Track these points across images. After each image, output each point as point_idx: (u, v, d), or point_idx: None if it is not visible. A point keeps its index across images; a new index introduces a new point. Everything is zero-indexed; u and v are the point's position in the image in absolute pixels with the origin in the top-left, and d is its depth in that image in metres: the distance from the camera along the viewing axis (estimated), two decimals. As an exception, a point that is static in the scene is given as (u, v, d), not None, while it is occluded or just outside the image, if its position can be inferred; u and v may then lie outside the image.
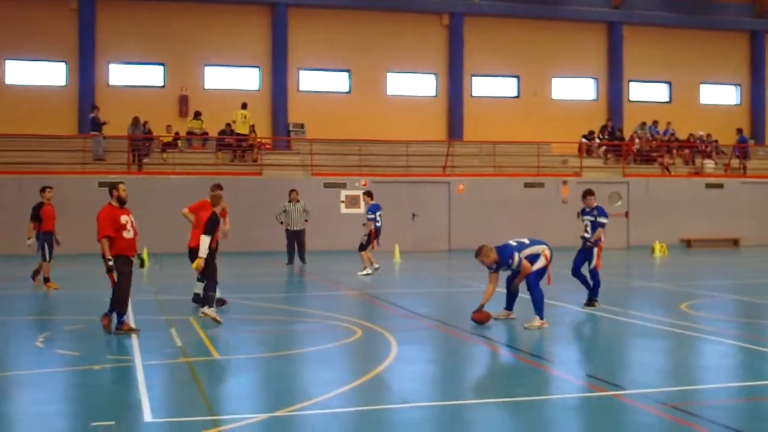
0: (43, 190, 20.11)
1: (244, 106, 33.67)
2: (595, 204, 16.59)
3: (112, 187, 13.64)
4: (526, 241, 14.25)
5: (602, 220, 16.27)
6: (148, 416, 8.26)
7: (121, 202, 13.49)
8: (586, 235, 16.23)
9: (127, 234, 13.20)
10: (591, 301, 16.08)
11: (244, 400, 9.25)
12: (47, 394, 9.38)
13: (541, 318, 13.61)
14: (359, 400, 9.12)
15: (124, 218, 13.25)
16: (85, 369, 10.62)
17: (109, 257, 12.96)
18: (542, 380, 10.37)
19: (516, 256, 13.76)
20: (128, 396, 9.18)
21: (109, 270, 13.03)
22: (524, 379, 10.39)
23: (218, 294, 14.85)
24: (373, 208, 23.17)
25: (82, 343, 12.59)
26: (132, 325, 13.21)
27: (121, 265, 13.11)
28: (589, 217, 16.38)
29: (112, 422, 8.09)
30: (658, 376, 10.66)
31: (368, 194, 23.93)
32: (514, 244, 14.12)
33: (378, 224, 23.11)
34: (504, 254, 13.81)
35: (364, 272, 22.65)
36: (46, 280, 19.46)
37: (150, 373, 10.20)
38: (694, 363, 11.67)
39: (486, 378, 10.83)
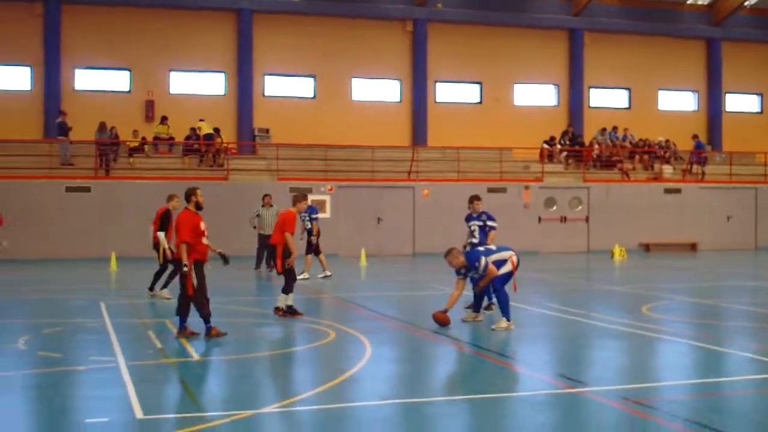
0: None
1: (201, 120, 33.96)
2: (482, 209, 16.74)
3: (191, 192, 13.43)
4: (493, 248, 14.79)
5: (492, 223, 16.49)
6: (139, 413, 8.64)
7: (199, 207, 13.39)
8: (474, 240, 16.32)
9: (206, 240, 13.32)
10: (486, 308, 15.81)
11: (229, 398, 9.67)
12: (37, 393, 9.77)
13: (508, 320, 14.12)
14: (339, 398, 9.54)
15: (203, 224, 13.29)
16: (70, 370, 10.98)
17: (185, 263, 13.05)
18: (510, 378, 10.89)
19: (483, 260, 14.28)
20: (117, 394, 9.50)
21: (184, 275, 13.09)
22: (492, 377, 10.89)
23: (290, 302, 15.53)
24: (314, 210, 23.27)
25: (62, 345, 12.92)
26: (220, 330, 13.23)
27: (200, 270, 13.19)
28: (477, 222, 16.56)
29: (106, 419, 8.48)
30: (621, 373, 11.20)
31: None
32: (482, 249, 14.67)
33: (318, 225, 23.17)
34: (471, 258, 14.34)
35: (326, 274, 22.86)
36: None
37: (134, 373, 10.55)
38: (654, 362, 12.21)
39: (456, 376, 11.31)
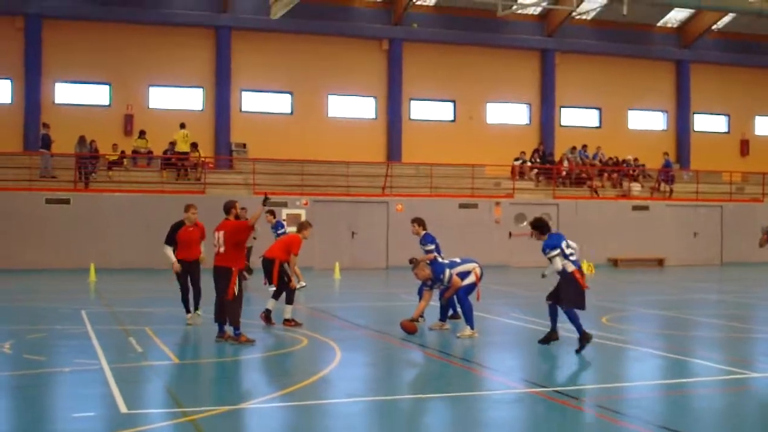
0: None
1: (182, 126, 34.48)
2: (423, 232, 16.60)
3: (231, 205, 14.34)
4: (458, 260, 15.55)
5: (427, 247, 16.31)
6: (123, 408, 9.29)
7: (237, 218, 14.30)
8: None
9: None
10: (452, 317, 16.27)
11: (207, 396, 10.34)
12: (25, 392, 10.38)
13: (472, 328, 14.83)
14: (309, 396, 10.21)
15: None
16: (55, 371, 11.59)
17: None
18: (472, 380, 11.59)
19: (447, 272, 15.04)
20: (101, 393, 10.15)
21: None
22: (456, 379, 11.60)
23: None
24: (281, 225, 23.91)
25: (46, 349, 13.53)
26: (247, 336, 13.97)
27: (242, 278, 14.11)
28: (420, 245, 16.61)
29: (92, 413, 9.11)
30: (578, 376, 11.92)
31: (272, 213, 24.29)
32: (447, 262, 15.44)
33: None
34: (437, 271, 15.10)
35: (301, 285, 23.43)
36: None
37: (117, 374, 11.18)
38: (609, 367, 12.92)
39: (421, 378, 12.00)
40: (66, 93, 36.88)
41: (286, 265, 16.12)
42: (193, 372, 11.90)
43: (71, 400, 9.96)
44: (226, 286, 13.81)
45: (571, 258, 13.57)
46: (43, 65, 36.06)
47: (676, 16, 44.35)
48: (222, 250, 13.97)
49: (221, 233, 14.04)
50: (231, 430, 8.69)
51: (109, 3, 36.49)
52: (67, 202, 30.87)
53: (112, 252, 30.43)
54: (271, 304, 16.30)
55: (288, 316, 16.16)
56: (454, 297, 15.48)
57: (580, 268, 13.73)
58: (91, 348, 13.32)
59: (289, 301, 16.23)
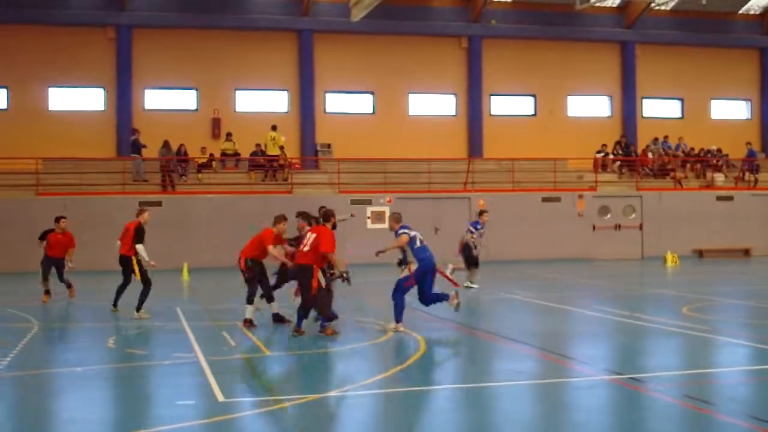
0: (57, 219, 21.61)
1: (273, 127, 35.34)
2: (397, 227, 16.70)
3: (330, 214, 15.33)
4: (418, 243, 15.76)
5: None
6: (220, 397, 9.96)
7: (334, 227, 15.17)
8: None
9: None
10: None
11: (299, 385, 10.98)
12: (130, 382, 11.15)
13: (397, 323, 15.17)
14: (395, 384, 10.76)
15: None
16: (156, 364, 12.36)
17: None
18: (554, 369, 12.01)
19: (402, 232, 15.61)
20: (199, 383, 10.85)
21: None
22: (538, 367, 12.02)
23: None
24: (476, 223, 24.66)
25: (146, 343, 14.35)
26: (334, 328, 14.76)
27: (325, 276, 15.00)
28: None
29: (192, 401, 9.81)
30: (658, 365, 12.24)
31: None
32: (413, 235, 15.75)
33: None
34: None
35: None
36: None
37: (213, 366, 11.88)
38: (689, 355, 13.22)
39: (504, 367, 12.41)
40: (155, 99, 38.08)
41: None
42: (283, 363, 12.55)
43: (172, 390, 10.67)
44: (308, 283, 14.46)
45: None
46: (133, 73, 37.30)
47: (759, 2, 43.80)
48: (306, 249, 14.63)
49: (314, 235, 14.72)
50: (321, 417, 9.28)
51: (194, 11, 37.56)
52: (159, 204, 31.96)
53: (202, 251, 31.45)
54: (274, 307, 16.33)
55: (248, 315, 15.94)
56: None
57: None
58: (187, 342, 14.08)
59: (251, 302, 15.97)
